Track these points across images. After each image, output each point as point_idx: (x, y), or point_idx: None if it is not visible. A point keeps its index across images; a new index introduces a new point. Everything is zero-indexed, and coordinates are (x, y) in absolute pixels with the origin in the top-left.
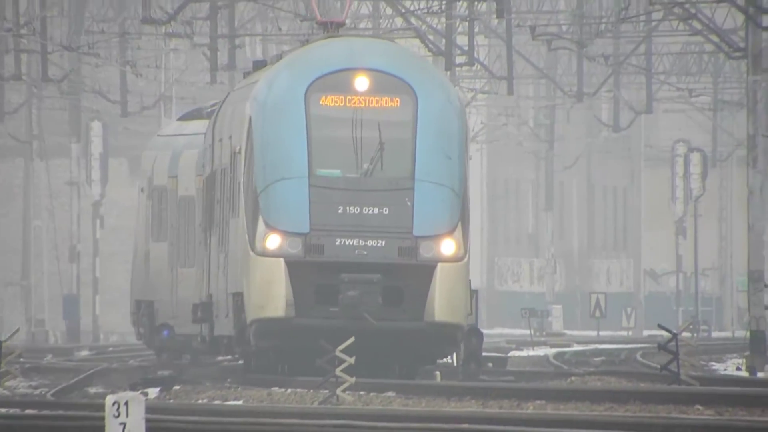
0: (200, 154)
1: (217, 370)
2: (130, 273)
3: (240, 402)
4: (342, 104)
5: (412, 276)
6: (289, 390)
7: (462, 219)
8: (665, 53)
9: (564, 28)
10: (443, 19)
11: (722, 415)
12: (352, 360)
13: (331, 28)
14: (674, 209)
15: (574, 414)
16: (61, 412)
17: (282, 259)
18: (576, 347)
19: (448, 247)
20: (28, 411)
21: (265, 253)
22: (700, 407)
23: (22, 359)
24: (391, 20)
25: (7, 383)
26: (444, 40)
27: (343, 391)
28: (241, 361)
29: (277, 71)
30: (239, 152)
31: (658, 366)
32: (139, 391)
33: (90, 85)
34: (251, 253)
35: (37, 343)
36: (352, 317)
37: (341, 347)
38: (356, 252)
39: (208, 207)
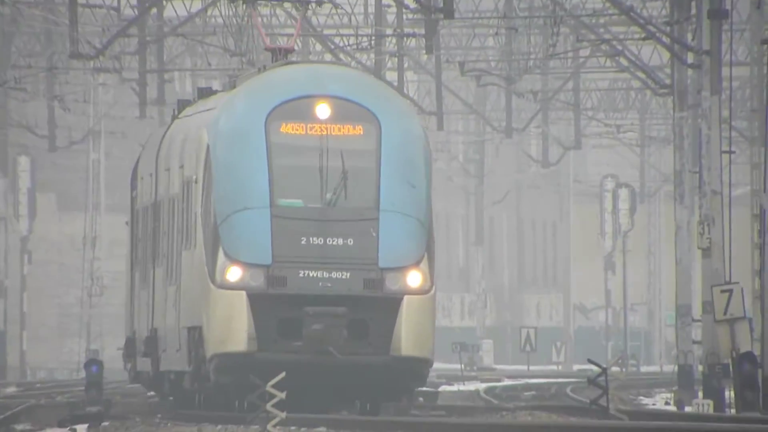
0: (130, 185)
1: (147, 405)
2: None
3: None
4: (304, 132)
5: (377, 309)
6: (219, 426)
7: (428, 250)
8: (593, 89)
9: (493, 64)
10: (372, 55)
11: None
12: (283, 395)
13: (280, 55)
14: (603, 244)
15: None
16: None
17: (244, 292)
18: (507, 382)
19: (414, 279)
20: None
21: (225, 286)
22: None
23: None
24: (320, 56)
25: None
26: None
27: (274, 426)
28: (171, 398)
29: (235, 98)
30: (195, 181)
31: (588, 400)
32: (68, 428)
33: (17, 119)
34: (211, 285)
35: None
36: (316, 351)
37: (272, 382)
38: (320, 284)
39: (149, 238)
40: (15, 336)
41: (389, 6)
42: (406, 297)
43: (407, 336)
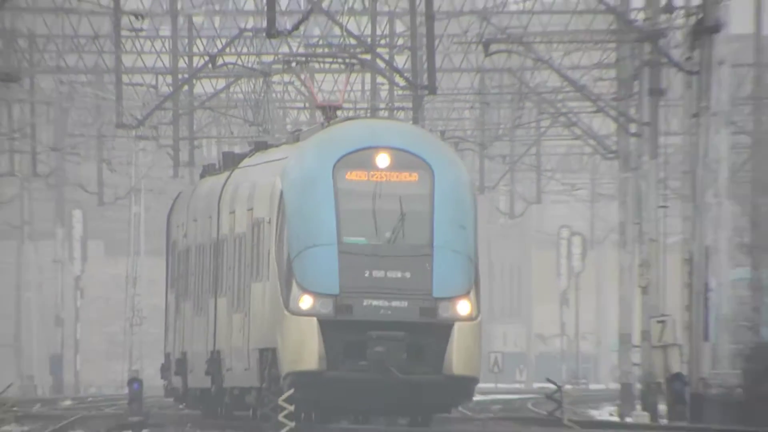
0: (172, 228)
1: (179, 416)
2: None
3: None
4: (366, 179)
5: (432, 333)
6: None
7: (475, 283)
8: (552, 154)
9: (468, 132)
10: None
11: None
12: (291, 408)
13: (330, 111)
14: (559, 283)
15: None
16: None
17: (315, 318)
18: (478, 397)
19: (463, 307)
20: None
21: (299, 313)
22: None
23: (15, 408)
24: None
25: (3, 428)
26: None
27: None
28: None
29: (305, 149)
30: (268, 222)
31: (546, 412)
32: None
33: (72, 179)
34: (285, 312)
35: (27, 395)
36: (379, 371)
37: (283, 397)
38: (381, 312)
39: (207, 272)
40: (70, 359)
41: (382, 84)
42: (456, 323)
43: (458, 357)
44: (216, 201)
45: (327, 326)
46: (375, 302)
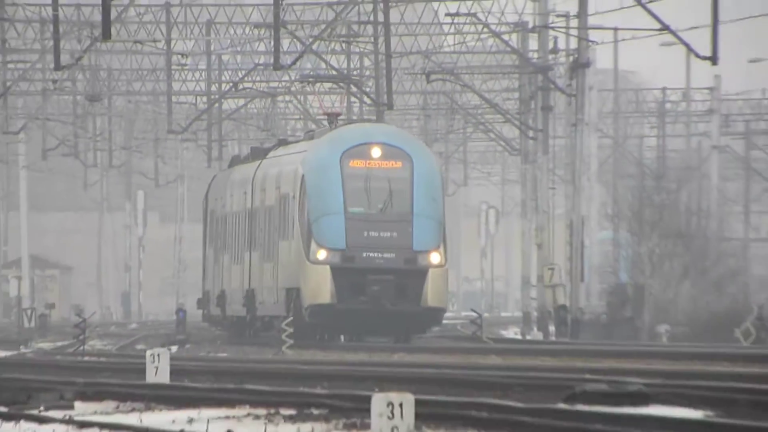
0: (210, 201)
1: (212, 336)
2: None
3: (226, 354)
4: (364, 166)
5: (413, 277)
6: (254, 348)
7: (443, 240)
8: (475, 151)
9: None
10: None
11: (506, 360)
12: (290, 330)
13: (333, 116)
14: (480, 242)
15: (422, 358)
16: (121, 359)
17: (328, 266)
18: None
19: (435, 258)
20: (103, 359)
21: (316, 262)
22: (495, 356)
23: (97, 329)
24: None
25: (90, 342)
26: None
27: (287, 348)
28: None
29: (320, 144)
30: (293, 197)
31: (470, 332)
32: (166, 348)
33: (136, 169)
34: (307, 262)
35: (105, 320)
36: (375, 304)
37: (285, 322)
38: (376, 261)
39: (246, 233)
40: (135, 295)
41: (355, 102)
42: (430, 269)
43: (432, 294)
44: (250, 181)
45: (337, 272)
46: (371, 254)
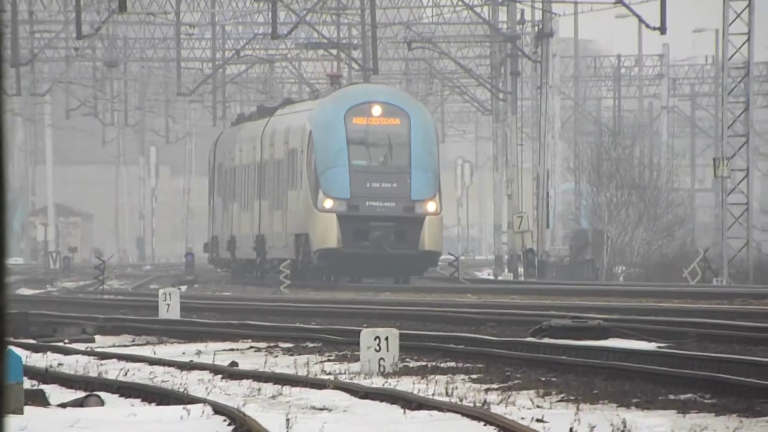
0: (218, 155)
1: (217, 277)
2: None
3: (229, 293)
4: (366, 122)
5: (411, 223)
6: (255, 287)
7: (438, 190)
8: (451, 111)
9: None
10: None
11: (480, 299)
12: (288, 272)
13: (334, 77)
14: (457, 192)
15: (405, 297)
16: (137, 298)
17: (334, 214)
18: None
19: (431, 206)
20: (120, 297)
21: (324, 210)
22: (470, 295)
23: (115, 270)
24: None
25: (109, 282)
26: None
27: (284, 288)
28: (229, 271)
29: (325, 102)
30: (302, 151)
31: (449, 274)
32: (177, 287)
33: (149, 127)
34: (315, 210)
35: (122, 262)
36: (377, 248)
37: (283, 265)
38: (378, 209)
39: (255, 183)
40: (149, 240)
41: (344, 68)
42: (427, 217)
43: (428, 239)
44: (259, 136)
45: (342, 219)
46: (373, 203)
